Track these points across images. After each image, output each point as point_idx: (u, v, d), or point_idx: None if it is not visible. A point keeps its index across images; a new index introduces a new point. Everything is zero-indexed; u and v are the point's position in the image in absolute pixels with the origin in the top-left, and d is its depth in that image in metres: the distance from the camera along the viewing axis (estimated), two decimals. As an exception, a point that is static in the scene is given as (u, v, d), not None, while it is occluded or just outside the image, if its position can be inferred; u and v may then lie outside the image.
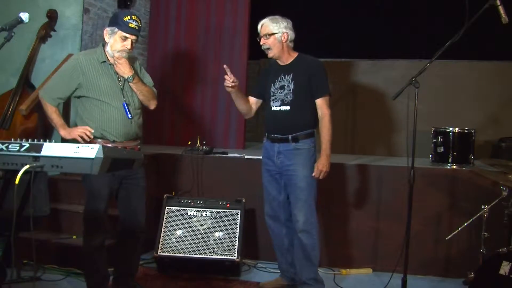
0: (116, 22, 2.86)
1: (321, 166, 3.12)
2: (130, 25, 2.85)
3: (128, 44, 2.87)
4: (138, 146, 3.04)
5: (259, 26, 3.25)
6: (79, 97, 2.92)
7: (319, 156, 3.16)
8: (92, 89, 2.87)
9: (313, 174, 3.13)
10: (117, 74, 2.93)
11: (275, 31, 3.18)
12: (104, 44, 2.95)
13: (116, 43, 2.87)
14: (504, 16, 2.80)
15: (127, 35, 2.86)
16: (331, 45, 6.03)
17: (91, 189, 2.91)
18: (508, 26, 2.83)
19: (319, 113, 3.18)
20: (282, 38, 3.19)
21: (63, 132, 2.90)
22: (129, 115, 2.93)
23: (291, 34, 3.23)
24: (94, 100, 2.87)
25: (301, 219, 3.13)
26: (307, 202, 3.14)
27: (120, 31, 2.85)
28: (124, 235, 3.10)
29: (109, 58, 2.92)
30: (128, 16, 2.85)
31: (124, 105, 2.92)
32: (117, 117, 2.89)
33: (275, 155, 3.23)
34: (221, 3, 5.20)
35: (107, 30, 2.91)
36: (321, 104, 3.17)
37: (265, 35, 3.19)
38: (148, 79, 3.13)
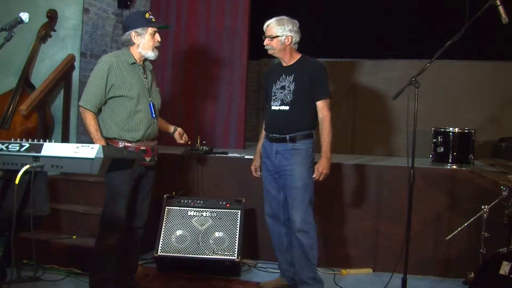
0: (139, 22, 2.95)
1: (322, 168, 3.13)
2: (153, 19, 2.99)
3: (158, 37, 3.00)
4: (157, 146, 3.11)
5: (265, 26, 3.24)
6: (109, 98, 2.91)
7: (318, 157, 3.16)
8: (124, 88, 2.90)
9: (314, 176, 3.15)
10: (145, 75, 3.02)
11: (279, 34, 3.17)
12: (129, 46, 2.99)
13: (149, 41, 2.97)
14: (504, 16, 2.80)
15: (156, 29, 2.98)
16: (331, 45, 6.02)
17: (115, 188, 2.91)
18: (508, 26, 2.84)
19: (320, 115, 3.18)
20: (286, 41, 3.19)
21: None
22: (153, 115, 3.01)
23: (296, 37, 3.22)
24: (125, 99, 2.90)
25: (298, 219, 3.14)
26: (304, 202, 3.14)
27: (150, 28, 2.96)
28: (126, 233, 3.09)
29: (137, 59, 2.99)
30: (147, 13, 2.99)
31: (150, 105, 3.00)
32: (142, 117, 2.95)
33: (273, 155, 3.23)
34: (221, 3, 5.20)
35: (134, 33, 2.95)
36: (321, 106, 3.18)
37: (269, 36, 3.20)
38: (157, 93, 3.16)
